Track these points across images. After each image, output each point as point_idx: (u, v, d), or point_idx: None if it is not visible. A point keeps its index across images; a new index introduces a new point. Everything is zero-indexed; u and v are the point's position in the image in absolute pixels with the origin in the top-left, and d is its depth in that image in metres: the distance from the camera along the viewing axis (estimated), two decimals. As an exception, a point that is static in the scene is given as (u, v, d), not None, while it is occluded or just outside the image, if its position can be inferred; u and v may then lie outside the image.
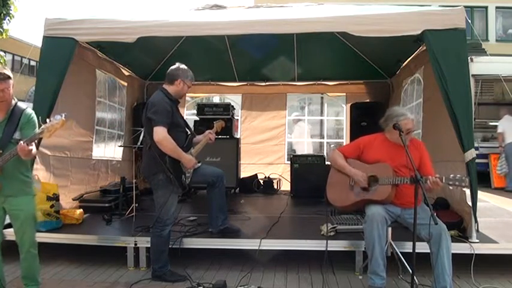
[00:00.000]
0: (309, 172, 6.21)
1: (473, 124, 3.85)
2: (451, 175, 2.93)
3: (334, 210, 4.36)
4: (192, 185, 3.84)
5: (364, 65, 6.91)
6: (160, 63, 7.01)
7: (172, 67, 3.61)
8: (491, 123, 9.13)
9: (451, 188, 3.00)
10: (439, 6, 5.07)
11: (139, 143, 5.10)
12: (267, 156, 7.94)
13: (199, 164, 3.70)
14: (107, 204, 5.03)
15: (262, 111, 8.04)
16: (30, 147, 2.74)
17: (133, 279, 3.53)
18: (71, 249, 4.05)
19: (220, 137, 4.94)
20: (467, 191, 3.86)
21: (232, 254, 3.95)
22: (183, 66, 3.61)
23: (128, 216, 4.69)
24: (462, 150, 3.69)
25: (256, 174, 7.32)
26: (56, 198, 4.21)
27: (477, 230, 3.76)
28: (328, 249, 3.55)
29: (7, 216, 3.01)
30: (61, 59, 4.10)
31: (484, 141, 9.43)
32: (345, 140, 7.92)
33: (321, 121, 9.50)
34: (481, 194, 5.77)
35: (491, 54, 8.78)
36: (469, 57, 4.02)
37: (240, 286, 3.36)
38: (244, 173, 7.37)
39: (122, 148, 6.52)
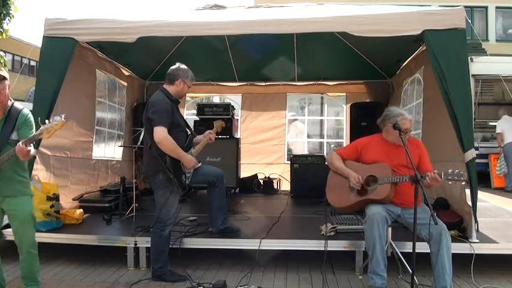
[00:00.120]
0: (309, 172, 6.21)
1: (473, 124, 3.85)
2: (449, 170, 2.94)
3: (334, 210, 4.36)
4: (193, 185, 3.84)
5: (364, 65, 6.91)
6: (160, 63, 7.01)
7: (173, 67, 3.61)
8: (491, 123, 9.13)
9: (450, 183, 2.99)
10: (439, 6, 5.07)
11: (139, 143, 5.10)
12: (267, 156, 7.95)
13: (200, 164, 3.70)
14: (107, 204, 5.02)
15: (262, 111, 8.04)
16: (28, 148, 2.73)
17: (133, 279, 3.53)
18: (71, 249, 4.05)
19: (220, 137, 4.95)
20: (468, 191, 3.87)
21: (232, 254, 3.95)
22: (183, 66, 3.61)
23: (127, 216, 4.69)
24: (462, 150, 3.69)
25: (256, 174, 7.32)
26: (56, 198, 4.20)
27: (477, 230, 3.76)
28: (328, 249, 3.56)
29: (6, 217, 3.01)
30: (61, 59, 4.10)
31: (484, 141, 9.43)
32: (345, 140, 7.92)
33: (321, 121, 9.50)
34: (481, 194, 5.77)
35: (491, 54, 8.78)
36: (469, 57, 4.02)
37: (240, 286, 3.36)
38: (244, 173, 7.37)
39: (122, 148, 6.53)
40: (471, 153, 3.66)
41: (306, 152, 8.37)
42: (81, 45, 4.62)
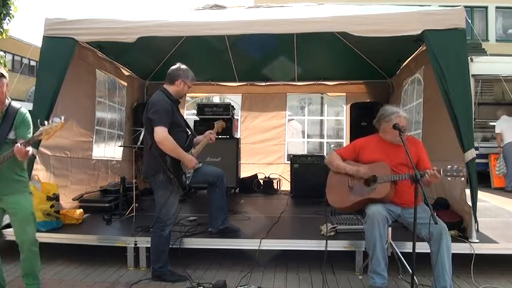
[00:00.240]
0: (309, 172, 6.21)
1: (473, 124, 3.85)
2: (448, 166, 2.95)
3: (334, 210, 4.35)
4: (193, 185, 3.84)
5: (364, 65, 6.91)
6: (160, 63, 7.01)
7: (173, 67, 3.61)
8: (491, 123, 9.12)
9: (449, 179, 2.99)
10: (439, 6, 5.07)
11: (139, 143, 5.10)
12: (267, 156, 7.95)
13: (200, 165, 3.70)
14: (107, 204, 5.02)
15: (262, 111, 8.04)
16: (27, 149, 2.72)
17: (133, 279, 3.53)
18: (71, 249, 4.05)
19: (220, 137, 4.95)
20: (468, 191, 3.87)
21: (232, 254, 3.95)
22: (183, 66, 3.61)
23: (127, 216, 4.69)
24: (462, 150, 3.69)
25: (256, 174, 7.32)
26: (56, 198, 4.20)
27: (477, 230, 3.76)
28: (328, 249, 3.55)
29: (6, 217, 3.01)
30: (61, 59, 4.10)
31: (484, 141, 9.43)
32: (345, 140, 7.92)
33: (321, 121, 9.50)
34: (481, 194, 5.77)
35: (491, 54, 8.77)
36: (469, 57, 4.02)
37: (240, 286, 3.36)
38: (244, 173, 7.37)
39: (122, 148, 6.53)
40: (471, 153, 3.67)
41: (303, 152, 8.35)
42: (81, 45, 4.62)
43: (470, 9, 18.60)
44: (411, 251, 2.90)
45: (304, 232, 4.15)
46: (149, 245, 3.61)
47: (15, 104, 2.97)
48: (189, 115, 8.06)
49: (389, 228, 3.38)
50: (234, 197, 6.45)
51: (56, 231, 4.06)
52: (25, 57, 20.65)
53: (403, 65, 6.24)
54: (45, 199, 4.09)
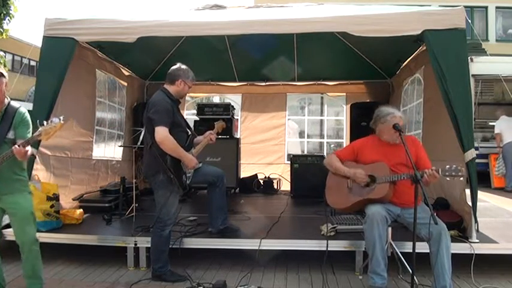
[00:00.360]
0: (308, 172, 6.20)
1: (473, 124, 3.85)
2: (447, 166, 2.94)
3: (334, 210, 4.35)
4: (193, 185, 3.84)
5: (364, 65, 6.91)
6: (160, 63, 7.01)
7: (174, 67, 3.61)
8: (491, 123, 9.12)
9: (448, 179, 2.99)
10: (439, 6, 5.07)
11: (139, 143, 5.10)
12: (266, 156, 7.94)
13: (200, 165, 3.70)
14: (107, 204, 5.02)
15: (262, 111, 8.03)
16: (26, 149, 2.72)
17: (133, 279, 3.53)
18: (71, 249, 4.05)
19: (220, 137, 4.95)
20: (468, 191, 3.87)
21: (232, 254, 3.95)
22: (184, 66, 3.62)
23: (128, 216, 4.69)
24: (462, 150, 3.69)
25: (256, 174, 7.32)
26: (56, 198, 4.20)
27: (477, 230, 3.76)
28: (328, 249, 3.55)
29: (7, 217, 3.00)
30: (61, 59, 4.09)
31: (484, 141, 9.42)
32: (345, 140, 7.92)
33: (321, 121, 9.50)
34: (481, 194, 5.77)
35: (491, 54, 8.76)
36: (469, 57, 4.02)
37: (240, 286, 3.36)
38: (244, 173, 7.37)
39: (122, 148, 6.52)
40: (471, 153, 3.67)
41: (301, 152, 8.34)
42: (81, 45, 4.62)
43: (470, 9, 18.61)
44: (411, 251, 2.90)
45: (304, 232, 4.15)
46: (149, 245, 3.61)
47: (14, 104, 2.96)
48: (189, 115, 8.06)
49: (389, 228, 3.38)
50: (234, 197, 6.45)
51: (56, 231, 4.06)
52: (25, 57, 20.65)
53: (403, 65, 6.24)
54: (45, 199, 4.09)
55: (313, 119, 9.67)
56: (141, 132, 4.91)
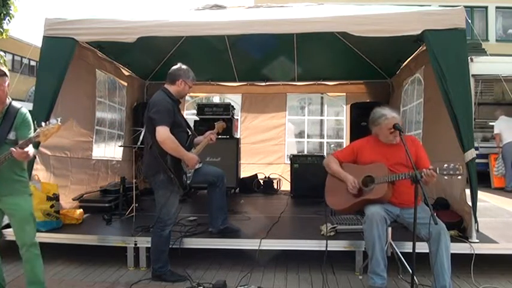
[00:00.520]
0: (308, 172, 6.20)
1: (473, 124, 3.85)
2: (445, 165, 2.93)
3: (334, 210, 4.35)
4: (193, 185, 3.84)
5: (364, 65, 6.91)
6: (160, 63, 7.02)
7: (174, 67, 3.62)
8: (491, 123, 9.12)
9: (446, 178, 2.98)
10: (439, 6, 5.07)
11: (139, 143, 5.10)
12: (267, 156, 7.95)
13: (201, 165, 3.71)
14: (107, 204, 5.02)
15: (262, 111, 8.04)
16: (25, 150, 2.70)
17: (133, 279, 3.53)
18: (71, 249, 4.05)
19: (220, 137, 4.95)
20: (468, 191, 3.87)
21: (232, 254, 3.95)
22: (184, 66, 3.62)
23: (127, 216, 4.69)
24: (462, 150, 3.69)
25: (256, 174, 7.32)
26: (56, 198, 4.20)
27: (477, 230, 3.76)
28: (328, 249, 3.56)
29: (7, 217, 3.00)
30: (61, 59, 4.10)
31: (484, 141, 9.42)
32: (345, 140, 7.92)
33: (321, 121, 9.50)
34: (481, 194, 5.77)
35: (491, 54, 8.77)
36: (469, 57, 4.02)
37: (240, 286, 3.36)
38: (244, 173, 7.37)
39: (122, 148, 6.52)
40: (471, 153, 3.67)
41: (299, 152, 8.33)
42: (81, 45, 4.62)
43: (470, 9, 18.62)
44: (411, 251, 2.90)
45: (304, 232, 4.15)
46: (149, 245, 3.61)
47: (16, 104, 2.94)
48: (189, 115, 8.06)
49: (389, 229, 3.38)
50: (234, 197, 6.45)
51: (56, 231, 4.06)
52: (25, 57, 20.66)
53: (403, 65, 6.24)
54: (45, 199, 4.09)
55: (313, 119, 9.66)
56: (141, 132, 4.91)
